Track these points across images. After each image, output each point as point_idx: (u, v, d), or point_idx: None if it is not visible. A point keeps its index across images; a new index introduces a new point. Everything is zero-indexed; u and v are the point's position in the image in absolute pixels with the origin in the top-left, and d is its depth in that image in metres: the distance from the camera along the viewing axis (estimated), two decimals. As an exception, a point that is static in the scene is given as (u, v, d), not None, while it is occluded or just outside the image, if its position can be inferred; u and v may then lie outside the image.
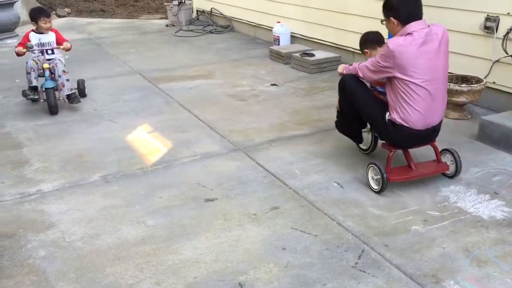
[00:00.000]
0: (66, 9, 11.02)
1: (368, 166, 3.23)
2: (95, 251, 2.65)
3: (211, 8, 9.27)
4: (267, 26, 7.68)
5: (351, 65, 3.37)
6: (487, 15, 4.31)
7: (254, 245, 2.67)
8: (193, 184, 3.36)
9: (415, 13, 3.03)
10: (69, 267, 2.52)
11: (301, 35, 6.99)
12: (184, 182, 3.39)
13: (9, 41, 8.20)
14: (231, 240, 2.71)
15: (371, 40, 3.46)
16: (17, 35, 8.52)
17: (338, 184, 3.29)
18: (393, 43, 2.94)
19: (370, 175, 3.21)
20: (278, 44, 6.97)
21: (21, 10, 9.12)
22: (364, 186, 3.24)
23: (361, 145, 3.73)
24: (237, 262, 2.52)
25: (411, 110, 3.00)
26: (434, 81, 3.01)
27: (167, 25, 9.51)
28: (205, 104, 4.95)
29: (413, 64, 2.93)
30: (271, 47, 6.80)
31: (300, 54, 6.17)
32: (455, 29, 4.66)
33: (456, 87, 4.16)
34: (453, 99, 4.22)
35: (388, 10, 3.07)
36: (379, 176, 3.10)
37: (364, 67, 3.16)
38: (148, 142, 4.08)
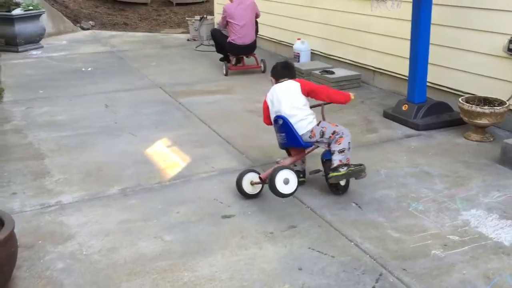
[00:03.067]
0: (91, 22, 11.23)
1: (223, 62, 6.85)
2: (112, 265, 2.66)
3: (232, 24, 9.35)
4: (287, 43, 7.72)
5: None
6: (511, 37, 4.26)
7: (270, 264, 2.65)
8: (211, 200, 3.36)
9: None
10: (86, 280, 2.53)
11: (321, 52, 7.00)
12: (202, 198, 3.39)
13: (34, 52, 8.39)
14: (247, 259, 2.70)
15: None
16: (42, 47, 8.72)
17: (357, 204, 3.26)
18: (226, 5, 6.61)
19: (223, 67, 6.78)
20: (298, 61, 6.99)
21: (46, 22, 9.34)
22: (383, 207, 3.21)
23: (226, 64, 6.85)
24: (253, 281, 2.51)
25: (234, 35, 6.57)
26: (244, 23, 6.56)
27: (188, 40, 9.63)
28: (224, 119, 4.97)
29: (233, 14, 6.53)
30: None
31: (320, 72, 6.18)
32: (478, 51, 4.63)
33: (478, 109, 4.11)
34: (475, 121, 4.17)
35: None
36: (225, 67, 6.70)
37: (220, 19, 6.78)
38: (167, 156, 4.10)
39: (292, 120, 3.30)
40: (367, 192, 3.41)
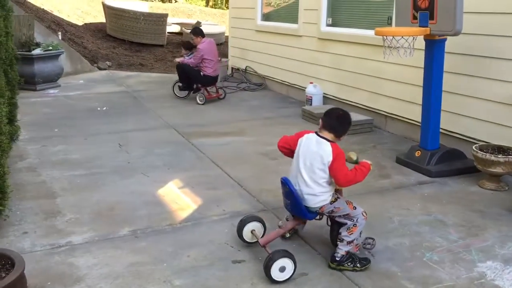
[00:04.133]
0: (107, 62, 11.49)
1: (197, 95, 7.74)
2: (120, 309, 2.62)
3: (246, 66, 9.53)
4: (300, 86, 7.81)
5: (183, 57, 8.05)
6: (524, 86, 4.28)
7: (281, 313, 2.59)
8: (221, 243, 3.33)
9: (204, 35, 7.74)
10: (93, 325, 2.49)
11: (333, 96, 7.07)
12: (212, 241, 3.36)
13: (51, 91, 8.56)
14: (258, 307, 2.65)
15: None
16: (59, 86, 8.91)
17: (370, 252, 3.20)
18: (201, 46, 7.56)
19: (197, 98, 7.67)
20: (311, 104, 7.05)
21: (64, 62, 9.57)
22: (396, 256, 3.15)
23: (179, 94, 8.13)
24: (263, 331, 2.44)
25: (209, 69, 7.62)
26: (216, 58, 7.74)
27: (202, 81, 9.78)
28: (236, 162, 4.99)
29: (208, 52, 7.58)
30: (303, 107, 6.89)
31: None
32: (491, 99, 4.64)
33: (492, 157, 4.09)
34: (489, 169, 4.14)
35: (197, 34, 7.69)
36: (202, 98, 7.64)
37: (192, 60, 7.67)
38: (179, 198, 4.10)
39: (304, 190, 2.98)
40: (380, 240, 3.35)
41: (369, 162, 3.05)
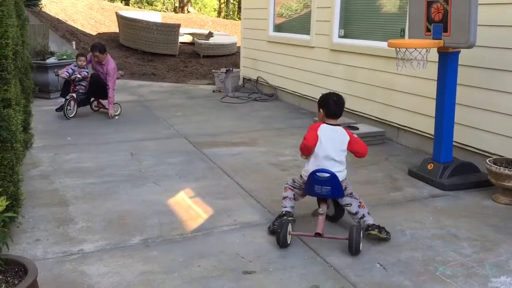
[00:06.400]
0: (120, 72, 11.58)
1: (117, 107, 7.49)
2: (131, 319, 2.61)
3: (257, 77, 9.56)
4: (311, 97, 7.81)
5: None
6: (539, 99, 4.25)
7: (292, 326, 2.57)
8: (232, 254, 3.32)
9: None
10: (103, 334, 2.48)
11: (345, 107, 7.01)
12: (223, 252, 3.35)
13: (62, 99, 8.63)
14: (269, 319, 2.62)
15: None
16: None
17: (381, 265, 3.17)
18: (111, 61, 7.37)
19: (114, 112, 7.33)
20: (322, 116, 7.04)
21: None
22: (408, 270, 3.11)
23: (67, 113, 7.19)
24: None
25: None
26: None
27: (213, 91, 9.84)
28: (247, 172, 4.98)
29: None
30: (315, 118, 6.88)
31: (343, 127, 6.19)
32: (505, 112, 4.60)
33: (506, 171, 4.04)
34: (503, 183, 4.09)
35: (105, 50, 7.32)
36: (118, 107, 7.49)
37: (116, 74, 7.55)
38: (190, 208, 4.10)
39: (335, 169, 3.46)
40: (392, 253, 3.32)
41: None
